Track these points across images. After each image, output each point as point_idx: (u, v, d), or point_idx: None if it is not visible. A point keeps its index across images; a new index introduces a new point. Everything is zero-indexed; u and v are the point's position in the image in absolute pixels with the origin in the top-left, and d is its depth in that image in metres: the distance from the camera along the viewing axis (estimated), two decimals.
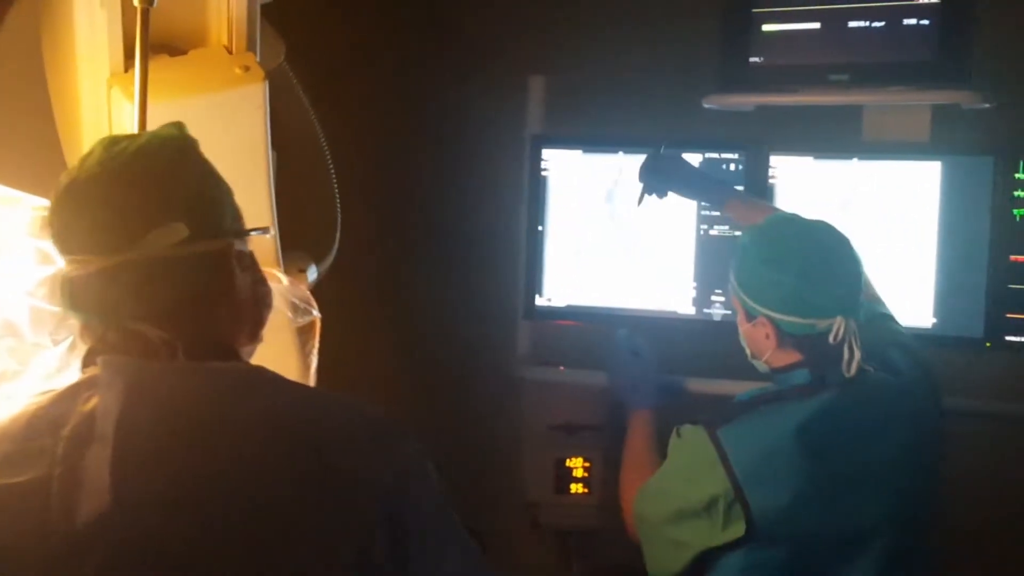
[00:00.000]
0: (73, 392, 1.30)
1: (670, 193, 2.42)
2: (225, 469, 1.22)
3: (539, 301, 2.82)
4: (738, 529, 1.87)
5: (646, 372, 2.47)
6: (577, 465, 2.89)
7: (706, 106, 2.63)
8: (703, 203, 2.63)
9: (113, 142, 1.36)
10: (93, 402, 1.25)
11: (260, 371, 1.35)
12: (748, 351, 2.08)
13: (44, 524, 1.18)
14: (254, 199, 1.90)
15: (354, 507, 1.24)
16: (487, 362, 3.06)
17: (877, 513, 1.90)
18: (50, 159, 1.88)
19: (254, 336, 1.48)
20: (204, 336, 1.36)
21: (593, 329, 2.78)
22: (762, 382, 2.05)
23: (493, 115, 3.00)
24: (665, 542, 1.99)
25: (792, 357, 1.96)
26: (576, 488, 2.89)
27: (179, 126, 1.42)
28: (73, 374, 1.40)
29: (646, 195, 2.41)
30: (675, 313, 2.71)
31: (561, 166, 2.79)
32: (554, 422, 2.89)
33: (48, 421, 1.26)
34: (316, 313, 2.00)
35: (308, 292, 2.03)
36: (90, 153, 1.35)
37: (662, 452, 2.09)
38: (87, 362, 1.34)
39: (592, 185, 2.78)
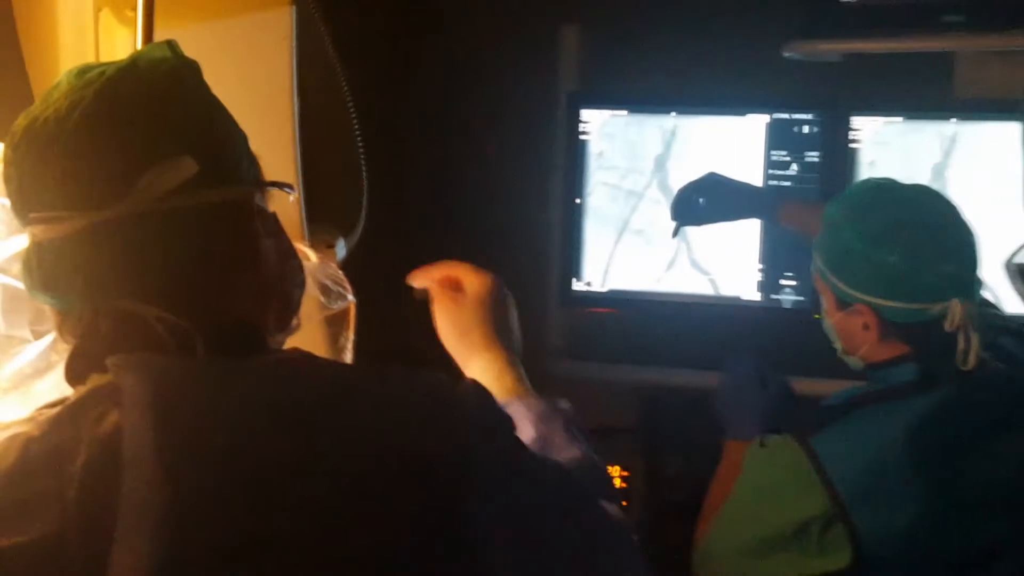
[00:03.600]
0: (76, 410, 1.00)
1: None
2: (309, 509, 0.97)
3: (576, 286, 2.63)
4: (841, 558, 1.70)
5: (770, 404, 2.20)
6: (614, 474, 2.64)
7: (786, 55, 2.35)
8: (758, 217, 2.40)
9: (84, 70, 1.11)
10: (111, 420, 0.97)
11: (311, 359, 1.08)
12: (839, 345, 1.88)
13: None
14: (277, 152, 1.72)
15: (446, 483, 1.02)
16: None
17: (1005, 531, 1.75)
18: (16, 101, 1.51)
19: (283, 323, 1.21)
20: (224, 320, 1.09)
21: (638, 318, 2.59)
22: (848, 380, 1.87)
23: (522, 70, 2.74)
24: None
25: (896, 350, 1.78)
26: None
27: (172, 45, 1.16)
28: (57, 378, 1.14)
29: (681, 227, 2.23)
30: (738, 299, 2.53)
31: (603, 129, 2.60)
32: (589, 424, 2.62)
33: (46, 454, 0.97)
34: (351, 297, 1.75)
35: (340, 272, 1.78)
36: (56, 86, 1.11)
37: None
38: (76, 369, 1.07)
39: (640, 151, 2.59)
